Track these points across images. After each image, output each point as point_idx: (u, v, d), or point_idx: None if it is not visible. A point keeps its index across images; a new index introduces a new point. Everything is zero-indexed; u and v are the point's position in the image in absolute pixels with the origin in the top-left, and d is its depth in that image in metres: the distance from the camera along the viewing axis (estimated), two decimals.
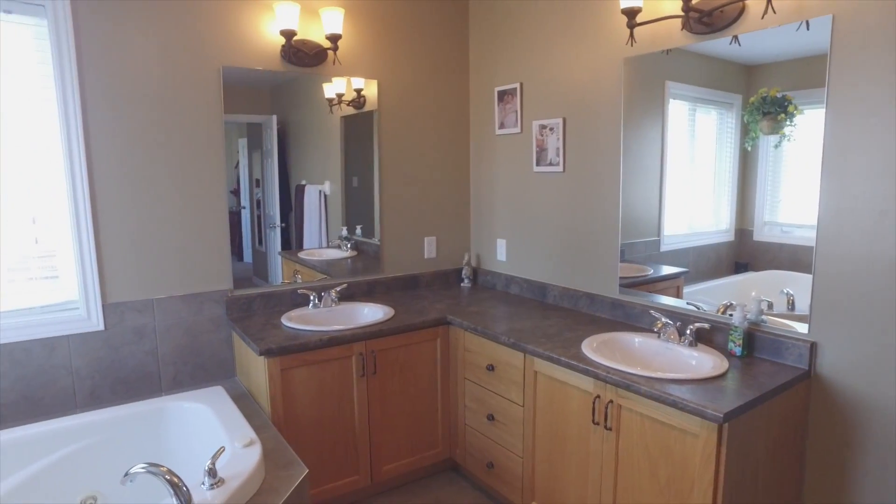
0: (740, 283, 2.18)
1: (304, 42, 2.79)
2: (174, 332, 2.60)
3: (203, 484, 1.70)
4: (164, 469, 1.58)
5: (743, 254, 2.16)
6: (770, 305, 2.08)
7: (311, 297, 2.83)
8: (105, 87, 2.37)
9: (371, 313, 2.83)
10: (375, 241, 3.20)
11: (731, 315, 2.15)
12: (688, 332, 2.15)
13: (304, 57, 2.80)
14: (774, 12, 1.93)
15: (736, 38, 2.06)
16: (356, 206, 3.15)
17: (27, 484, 2.03)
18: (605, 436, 2.02)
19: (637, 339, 2.29)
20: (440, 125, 3.34)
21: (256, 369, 2.43)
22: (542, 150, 2.94)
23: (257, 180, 2.97)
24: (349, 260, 3.15)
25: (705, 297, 2.29)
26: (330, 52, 2.88)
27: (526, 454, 2.40)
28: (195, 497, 1.64)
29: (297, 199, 3.00)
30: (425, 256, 3.37)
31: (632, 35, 2.26)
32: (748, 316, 2.09)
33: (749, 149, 2.09)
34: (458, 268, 3.49)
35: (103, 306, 2.43)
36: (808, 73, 1.90)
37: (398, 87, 3.16)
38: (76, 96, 2.29)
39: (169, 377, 2.61)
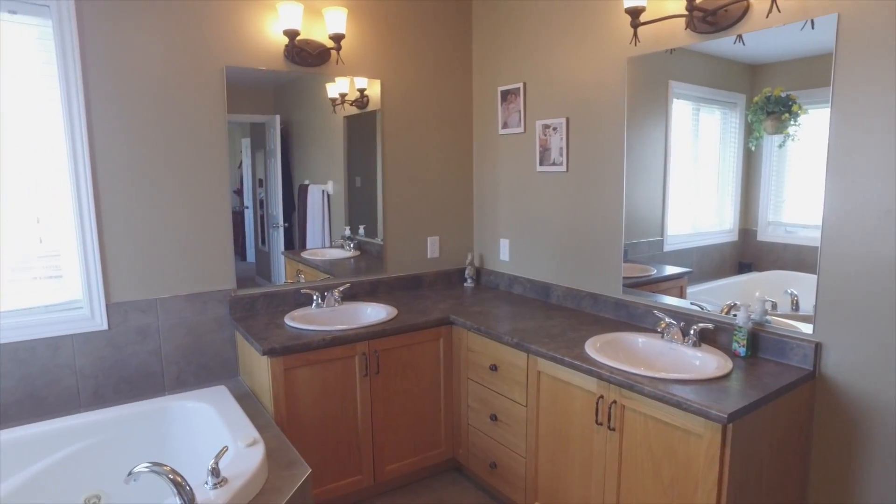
0: (744, 284, 2.17)
1: (307, 42, 2.79)
2: (177, 331, 2.61)
3: (206, 483, 1.70)
4: (168, 468, 1.58)
5: (747, 254, 2.16)
6: (774, 306, 2.07)
7: (315, 297, 2.83)
8: (109, 87, 2.37)
9: (374, 313, 2.83)
10: (378, 240, 3.20)
11: (735, 315, 2.14)
12: (691, 332, 2.14)
13: (307, 57, 2.81)
14: (779, 11, 1.92)
15: (740, 37, 2.05)
16: (359, 206, 3.15)
17: (31, 483, 2.03)
18: (609, 436, 2.02)
19: (641, 340, 2.29)
20: (443, 125, 3.34)
21: (259, 369, 2.43)
22: (545, 150, 2.93)
23: (260, 180, 2.97)
24: (352, 260, 3.15)
25: (709, 297, 2.28)
26: (333, 52, 2.88)
27: (529, 454, 2.40)
28: (198, 496, 1.64)
29: (301, 198, 3.00)
30: (428, 256, 3.37)
31: (635, 34, 2.25)
32: (752, 316, 2.09)
33: (753, 149, 2.09)
34: (461, 268, 3.49)
35: (107, 306, 2.44)
36: (812, 72, 1.89)
37: (401, 87, 3.16)
38: (80, 96, 2.30)
39: (172, 377, 2.62)
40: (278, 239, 2.96)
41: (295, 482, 1.88)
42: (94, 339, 2.42)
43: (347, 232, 3.14)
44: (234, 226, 2.75)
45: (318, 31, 2.84)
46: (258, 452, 1.92)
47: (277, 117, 2.87)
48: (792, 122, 1.96)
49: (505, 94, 3.15)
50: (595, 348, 2.17)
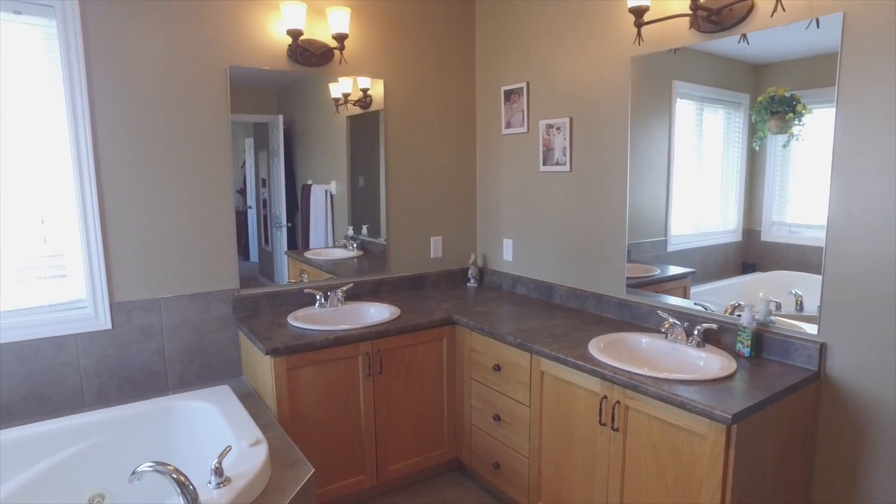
0: (748, 284, 2.16)
1: (310, 42, 2.79)
2: (181, 331, 2.61)
3: (209, 483, 1.70)
4: (171, 468, 1.59)
5: (750, 254, 2.15)
6: (778, 306, 2.06)
7: (318, 297, 2.83)
8: (113, 87, 2.38)
9: (377, 313, 2.83)
10: (381, 240, 3.20)
11: (739, 315, 2.14)
12: (695, 332, 2.14)
13: (310, 56, 2.81)
14: (784, 10, 1.91)
15: (744, 36, 2.04)
16: (362, 206, 3.15)
17: (36, 481, 2.04)
18: (612, 436, 2.01)
19: (644, 340, 2.28)
20: (446, 125, 3.34)
21: (263, 368, 2.43)
22: (548, 150, 2.93)
23: (263, 180, 2.97)
24: (355, 259, 3.15)
25: (713, 297, 2.27)
26: (336, 52, 2.88)
27: (532, 455, 2.40)
28: (202, 496, 1.64)
29: (304, 198, 3.00)
30: (431, 256, 3.37)
31: (639, 34, 2.25)
32: (756, 316, 2.08)
33: (757, 148, 2.08)
34: (465, 268, 3.48)
35: (111, 305, 2.44)
36: (817, 72, 1.88)
37: (404, 87, 3.16)
38: (84, 96, 2.30)
39: (176, 376, 2.62)
40: (281, 239, 2.97)
41: (298, 482, 1.88)
42: (98, 339, 2.43)
43: (350, 232, 3.14)
44: (237, 225, 2.76)
45: (322, 31, 2.84)
46: (261, 452, 1.92)
47: (280, 117, 2.87)
48: (796, 122, 1.96)
49: (508, 94, 3.15)
50: (598, 348, 2.17)
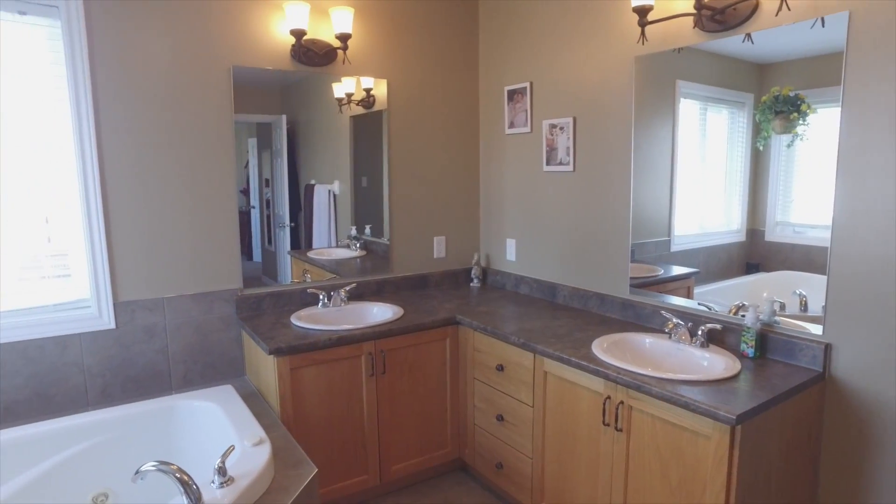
0: (752, 284, 2.16)
1: (313, 41, 2.79)
2: (184, 330, 2.62)
3: (213, 482, 1.71)
4: (175, 467, 1.59)
5: (754, 254, 2.14)
6: (782, 306, 2.06)
7: (321, 297, 2.83)
8: (117, 87, 2.38)
9: (380, 313, 2.83)
10: (385, 240, 3.20)
11: (743, 316, 2.13)
12: (699, 332, 2.13)
13: (313, 56, 2.81)
14: (789, 9, 1.91)
15: (749, 35, 2.04)
16: (365, 206, 3.15)
17: (40, 480, 2.04)
18: (616, 437, 2.01)
19: (648, 340, 2.28)
20: (449, 125, 3.33)
21: (266, 368, 2.44)
22: (552, 150, 2.92)
23: (267, 180, 2.97)
24: (358, 259, 3.16)
25: (716, 297, 2.27)
26: (340, 52, 2.88)
27: (535, 455, 2.39)
28: (205, 495, 1.65)
29: (307, 198, 3.00)
30: (434, 256, 3.37)
31: (643, 33, 2.25)
32: (761, 317, 2.07)
33: (761, 148, 2.07)
34: (468, 267, 3.48)
35: (114, 305, 2.45)
36: (821, 71, 1.87)
37: (408, 87, 3.16)
38: (88, 96, 2.31)
39: (179, 376, 2.63)
40: (284, 238, 2.97)
41: (301, 482, 1.88)
42: (102, 338, 2.44)
43: (353, 232, 3.14)
44: (240, 225, 2.76)
45: (325, 31, 2.84)
46: (264, 452, 1.92)
47: (284, 117, 2.87)
48: (801, 122, 1.95)
49: (511, 94, 3.14)
50: (602, 349, 2.16)
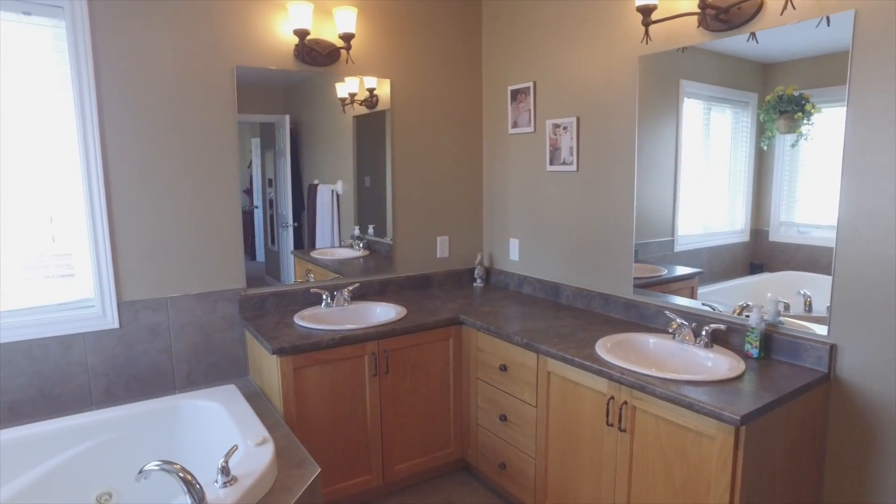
0: (755, 284, 2.15)
1: (317, 41, 2.80)
2: (188, 330, 2.62)
3: (216, 482, 1.71)
4: (178, 467, 1.59)
5: (758, 254, 2.14)
6: (786, 307, 2.05)
7: (324, 297, 2.84)
8: (121, 87, 2.39)
9: (383, 313, 2.83)
10: (388, 240, 3.20)
11: (747, 316, 2.12)
12: (703, 333, 2.13)
13: (317, 56, 2.81)
14: (794, 8, 1.90)
15: (753, 35, 2.03)
16: (368, 206, 3.15)
17: (44, 480, 2.05)
18: (620, 437, 2.00)
19: (652, 340, 2.27)
20: (453, 124, 3.33)
21: (269, 368, 2.44)
22: (555, 150, 2.92)
23: (270, 180, 2.98)
24: (361, 259, 3.16)
25: (720, 297, 2.26)
26: (343, 52, 2.88)
27: (539, 455, 2.39)
28: (208, 495, 1.65)
29: (310, 198, 3.01)
30: (438, 256, 3.37)
31: (647, 33, 2.24)
32: (765, 317, 2.07)
33: (765, 148, 2.07)
34: (471, 267, 3.48)
35: (118, 304, 2.45)
36: (826, 70, 1.87)
37: (411, 87, 3.16)
38: (92, 96, 2.31)
39: (182, 375, 2.63)
40: (288, 238, 2.97)
41: (304, 481, 1.88)
42: (106, 338, 2.44)
43: (357, 231, 3.14)
44: (243, 225, 2.76)
45: (328, 31, 2.84)
46: (268, 451, 1.92)
47: (287, 117, 2.87)
48: (805, 122, 1.94)
49: (515, 94, 3.14)
50: (605, 349, 2.16)
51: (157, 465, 1.59)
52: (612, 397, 2.01)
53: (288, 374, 2.33)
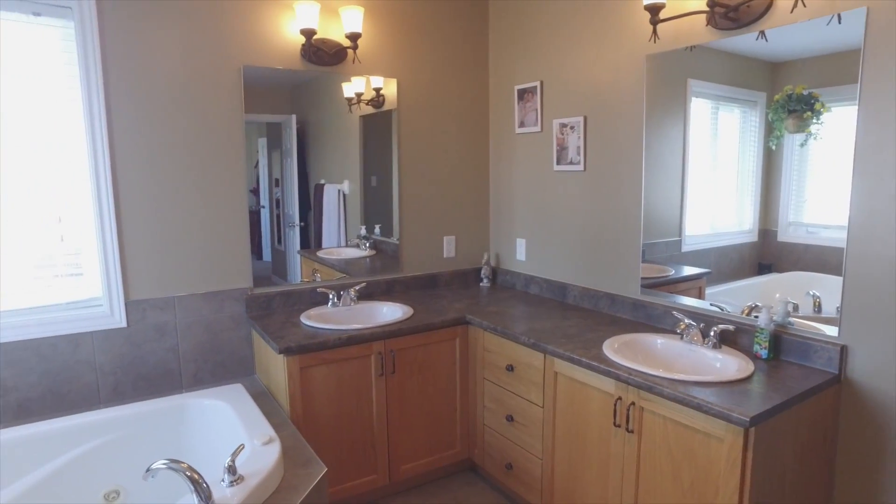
0: (764, 285, 2.14)
1: (323, 41, 2.80)
2: (195, 329, 2.63)
3: (223, 481, 1.71)
4: (185, 465, 1.59)
5: (766, 255, 2.12)
6: (795, 307, 2.03)
7: (331, 296, 2.84)
8: (128, 87, 2.40)
9: (390, 312, 2.83)
10: (394, 240, 3.20)
11: (756, 317, 2.11)
12: (712, 333, 2.11)
13: (323, 56, 2.81)
14: (805, 6, 1.88)
15: (762, 33, 2.02)
16: (375, 206, 3.15)
17: (53, 477, 2.06)
18: (627, 438, 1.99)
19: (659, 341, 2.26)
20: (459, 124, 3.33)
21: (276, 367, 2.44)
22: (562, 149, 2.91)
23: (277, 179, 2.98)
24: (368, 259, 3.16)
25: (728, 298, 2.25)
26: (349, 51, 2.88)
27: (545, 455, 2.38)
28: (215, 493, 1.65)
29: (316, 198, 3.01)
30: (444, 256, 3.37)
31: (655, 31, 2.23)
32: (774, 318, 2.05)
33: (773, 148, 2.05)
34: (478, 267, 3.47)
35: (126, 303, 2.46)
36: (836, 69, 1.85)
37: (417, 86, 3.16)
38: (100, 96, 2.32)
39: (189, 374, 2.64)
40: (294, 238, 2.98)
41: (311, 481, 1.88)
42: (114, 337, 2.45)
43: (363, 231, 3.14)
44: (250, 225, 2.77)
45: (335, 31, 2.85)
46: (274, 451, 1.92)
47: (294, 117, 2.88)
48: (814, 121, 1.92)
49: (522, 93, 3.13)
50: (613, 349, 2.15)
51: (164, 464, 1.59)
52: (620, 398, 2.00)
53: (294, 373, 2.33)
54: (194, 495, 1.59)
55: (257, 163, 2.94)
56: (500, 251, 3.45)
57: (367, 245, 3.15)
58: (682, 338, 2.21)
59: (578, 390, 2.19)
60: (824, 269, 1.94)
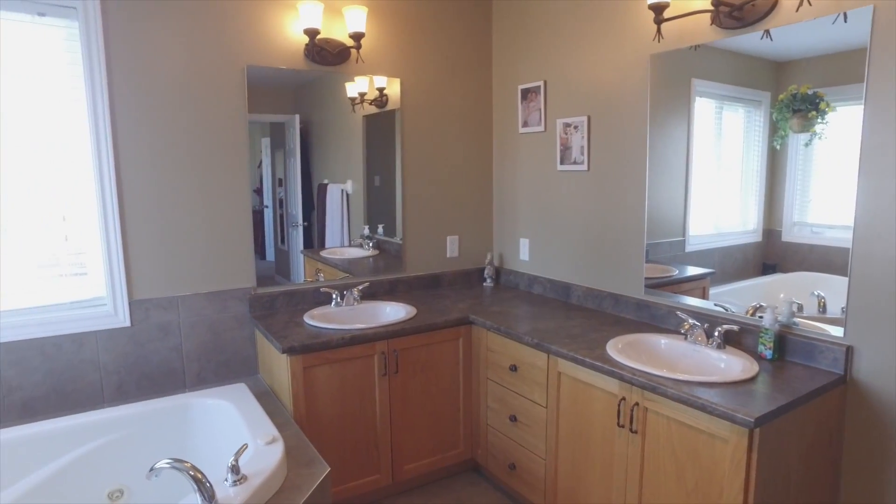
0: (768, 285, 2.13)
1: (327, 41, 2.80)
2: (198, 329, 2.63)
3: (226, 480, 1.71)
4: (189, 465, 1.59)
5: (771, 255, 2.11)
6: (800, 308, 2.02)
7: (334, 296, 2.84)
8: (132, 87, 2.40)
9: (393, 312, 2.83)
10: (397, 239, 3.20)
11: (760, 317, 2.10)
12: (716, 333, 2.10)
13: (327, 56, 2.81)
14: (810, 5, 1.87)
15: (767, 32, 2.01)
16: (378, 205, 3.15)
17: (57, 476, 2.06)
18: (631, 438, 1.99)
19: (663, 341, 2.25)
20: (463, 124, 3.33)
21: (279, 367, 2.44)
22: (566, 149, 2.91)
23: (280, 179, 2.99)
24: (371, 259, 3.16)
25: (732, 298, 2.24)
26: (353, 51, 2.88)
27: (549, 456, 2.38)
28: (218, 493, 1.65)
29: (320, 197, 3.01)
30: (447, 255, 3.36)
31: (659, 31, 2.22)
32: (779, 318, 2.04)
33: (778, 147, 2.04)
34: (481, 267, 3.47)
35: (130, 303, 2.47)
36: (841, 68, 1.84)
37: (420, 86, 3.15)
38: (105, 96, 2.33)
39: (193, 374, 2.64)
40: (297, 238, 2.98)
41: (314, 480, 1.88)
42: (117, 336, 2.46)
43: (366, 231, 3.14)
44: (253, 225, 2.77)
45: (338, 30, 2.85)
46: (277, 450, 1.92)
47: (297, 117, 2.88)
48: (819, 120, 1.92)
49: (525, 93, 3.13)
50: (617, 349, 2.14)
51: (167, 463, 1.60)
52: (624, 398, 1.99)
53: (298, 373, 2.33)
54: (198, 495, 1.59)
55: (260, 162, 2.94)
56: (503, 251, 3.44)
57: (371, 245, 3.15)
58: (686, 338, 2.20)
59: (582, 390, 2.19)
60: (829, 269, 1.93)
